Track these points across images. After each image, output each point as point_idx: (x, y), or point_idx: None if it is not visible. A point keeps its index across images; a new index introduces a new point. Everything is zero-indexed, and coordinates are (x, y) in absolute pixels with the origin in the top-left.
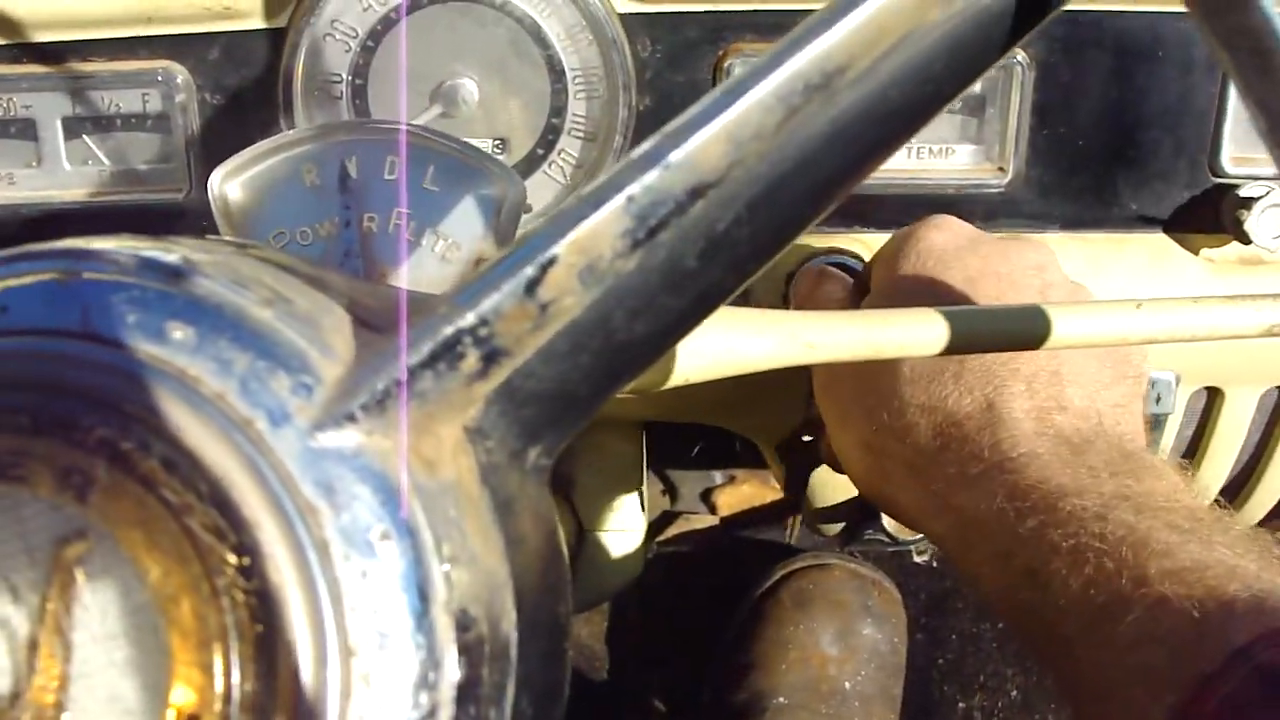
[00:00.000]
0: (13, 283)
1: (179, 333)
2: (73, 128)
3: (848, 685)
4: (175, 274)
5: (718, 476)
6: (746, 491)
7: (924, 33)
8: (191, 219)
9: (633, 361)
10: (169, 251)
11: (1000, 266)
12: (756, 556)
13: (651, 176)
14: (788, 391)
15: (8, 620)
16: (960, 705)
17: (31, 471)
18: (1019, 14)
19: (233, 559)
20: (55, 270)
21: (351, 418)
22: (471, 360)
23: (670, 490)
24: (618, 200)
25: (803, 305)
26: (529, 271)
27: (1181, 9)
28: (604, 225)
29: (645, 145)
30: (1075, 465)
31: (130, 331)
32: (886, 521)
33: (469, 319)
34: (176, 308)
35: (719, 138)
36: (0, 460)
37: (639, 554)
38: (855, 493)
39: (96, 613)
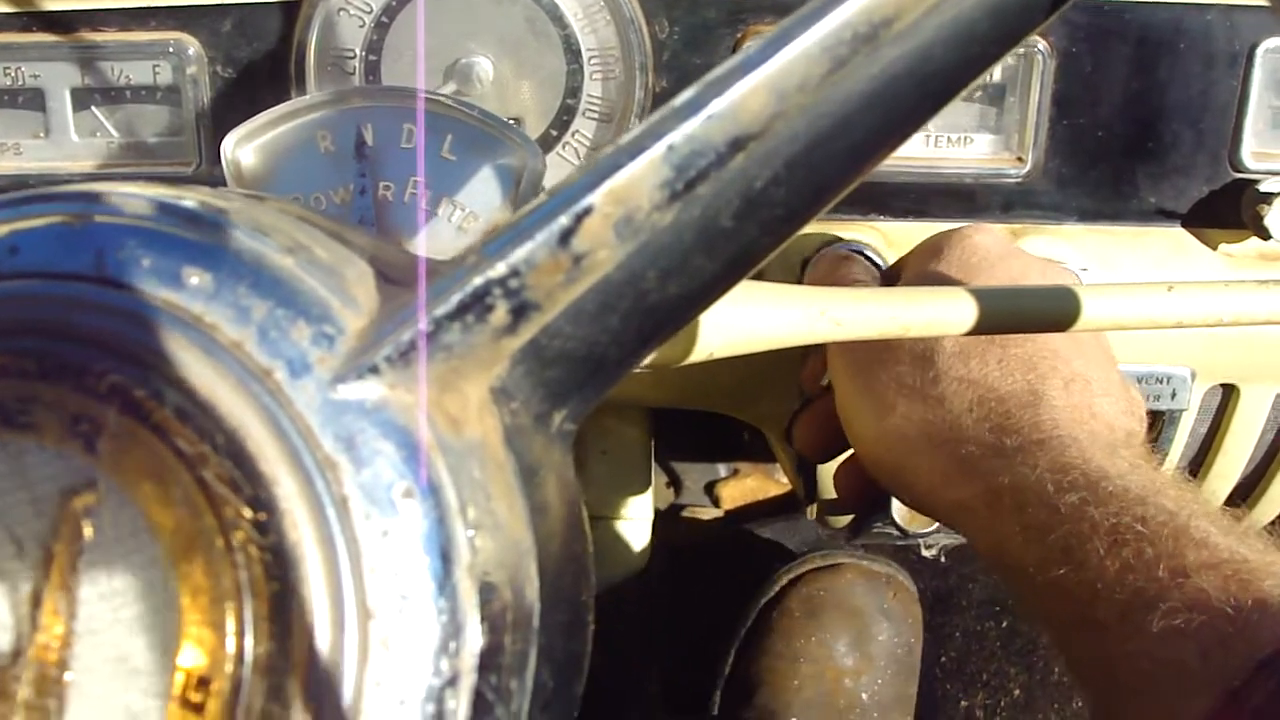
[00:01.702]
0: (23, 224)
1: (196, 278)
2: (81, 98)
3: (865, 697)
4: (192, 218)
5: (722, 469)
6: (751, 485)
7: None
8: None
9: (662, 324)
10: (185, 196)
11: (1038, 279)
12: (761, 550)
13: (692, 125)
14: (797, 379)
15: (10, 574)
16: (963, 704)
17: (38, 419)
18: None
19: (248, 513)
20: (68, 213)
21: (374, 369)
22: (501, 313)
23: (674, 482)
24: (657, 149)
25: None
26: (563, 221)
27: (1206, 1)
28: (642, 175)
29: (686, 93)
30: (1113, 456)
31: (145, 276)
32: (896, 513)
33: (499, 269)
34: (193, 253)
35: (762, 87)
36: (5, 406)
37: (645, 544)
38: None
39: (104, 567)
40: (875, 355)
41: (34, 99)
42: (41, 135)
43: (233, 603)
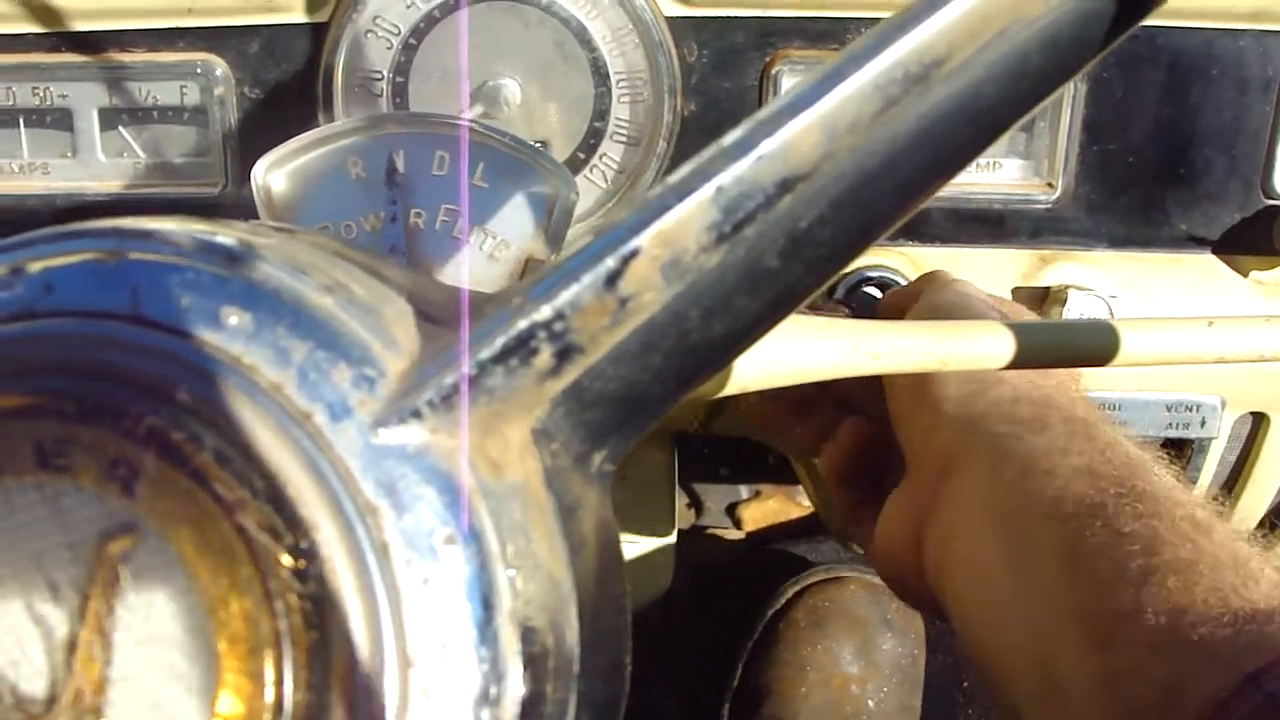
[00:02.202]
0: (59, 261)
1: (235, 318)
2: (109, 118)
3: (871, 704)
4: (231, 257)
5: (744, 491)
6: (772, 507)
7: (1023, 26)
8: (226, 214)
9: (704, 364)
10: (222, 233)
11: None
12: (782, 572)
13: (742, 166)
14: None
15: (46, 618)
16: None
17: (76, 461)
18: (1118, 12)
19: (287, 560)
20: (104, 250)
21: (416, 414)
22: (545, 356)
23: (696, 504)
24: (706, 190)
25: None
26: (610, 263)
27: (1238, 26)
28: (690, 217)
29: (735, 133)
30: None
31: (183, 316)
32: None
33: (545, 312)
34: (232, 292)
35: (814, 128)
36: (43, 448)
37: (668, 566)
38: None
39: (140, 613)
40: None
41: (62, 119)
42: (69, 155)
43: (271, 651)
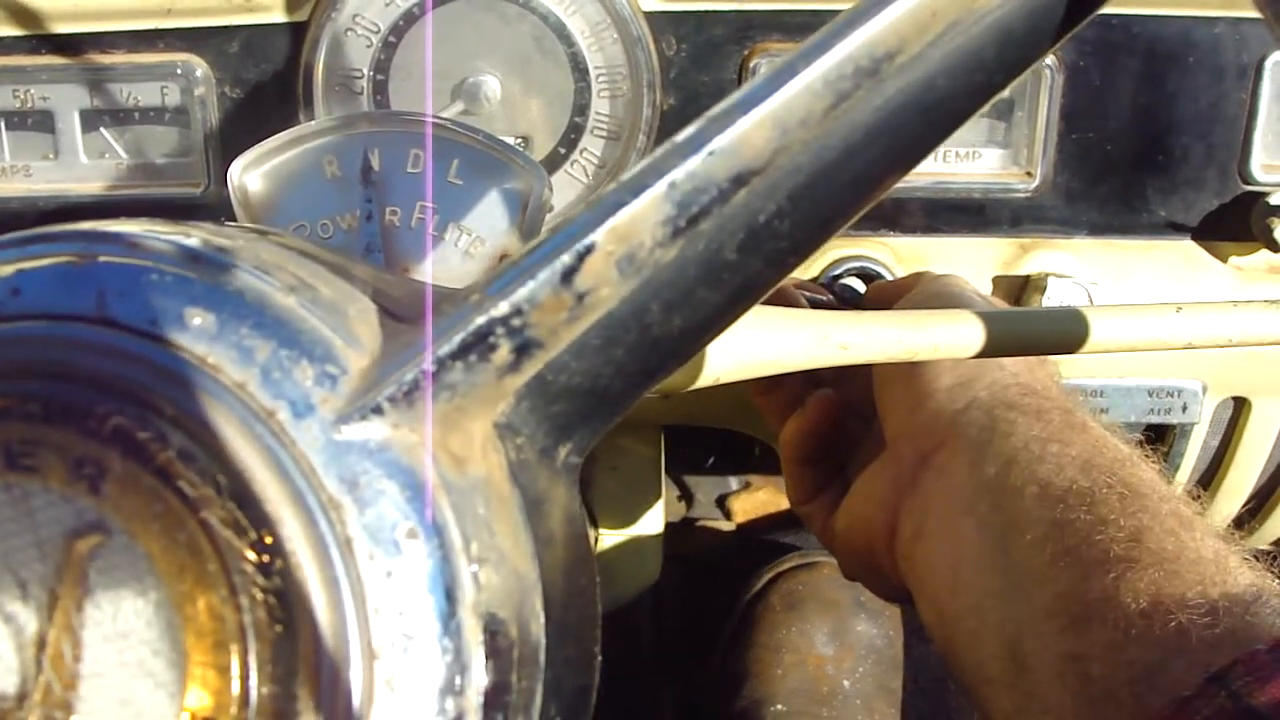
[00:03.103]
0: (26, 265)
1: (198, 319)
2: (90, 120)
3: (847, 684)
4: (195, 258)
5: (733, 482)
6: (762, 498)
7: (974, 19)
8: (209, 214)
9: (667, 357)
10: (188, 235)
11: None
12: (772, 562)
13: (694, 162)
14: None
15: (15, 617)
16: (960, 702)
17: (43, 461)
18: (1070, 4)
19: (252, 556)
20: (70, 253)
21: (378, 410)
22: (504, 351)
23: (686, 496)
24: (659, 187)
25: None
26: (565, 259)
27: (1214, 14)
28: (644, 212)
29: (689, 130)
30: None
31: (147, 317)
32: None
33: (502, 308)
34: (196, 293)
35: (765, 123)
36: (10, 449)
37: (656, 558)
38: None
39: (109, 610)
40: None
41: (43, 121)
42: (51, 157)
43: (238, 645)
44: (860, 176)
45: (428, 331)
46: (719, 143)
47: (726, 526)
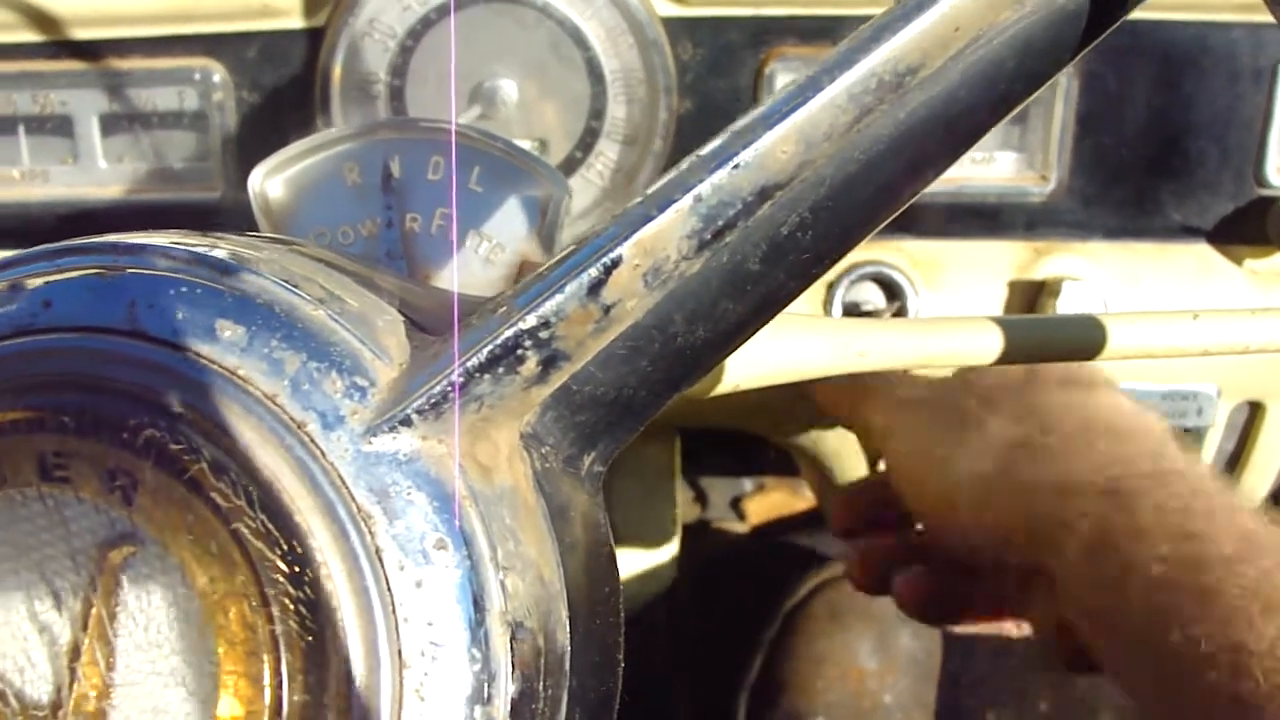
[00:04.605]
0: (57, 277)
1: (229, 331)
2: (109, 125)
3: (888, 699)
4: (225, 270)
5: (748, 484)
6: (777, 499)
7: (995, 33)
8: (226, 218)
9: (691, 367)
10: (217, 247)
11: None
12: (788, 566)
13: (720, 176)
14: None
15: (50, 625)
16: (989, 717)
17: (76, 472)
18: (1091, 15)
19: (283, 566)
20: (101, 265)
21: (407, 421)
22: (531, 363)
23: (700, 497)
24: (685, 201)
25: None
26: (593, 273)
27: (1230, 18)
28: (670, 226)
29: (713, 143)
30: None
31: (178, 329)
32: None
33: (530, 321)
34: (226, 305)
35: (789, 137)
36: (44, 461)
37: (672, 561)
38: None
39: (141, 619)
40: (941, 413)
41: (62, 125)
42: (70, 161)
43: (269, 654)
44: (882, 188)
45: (455, 344)
46: (744, 157)
47: (741, 528)
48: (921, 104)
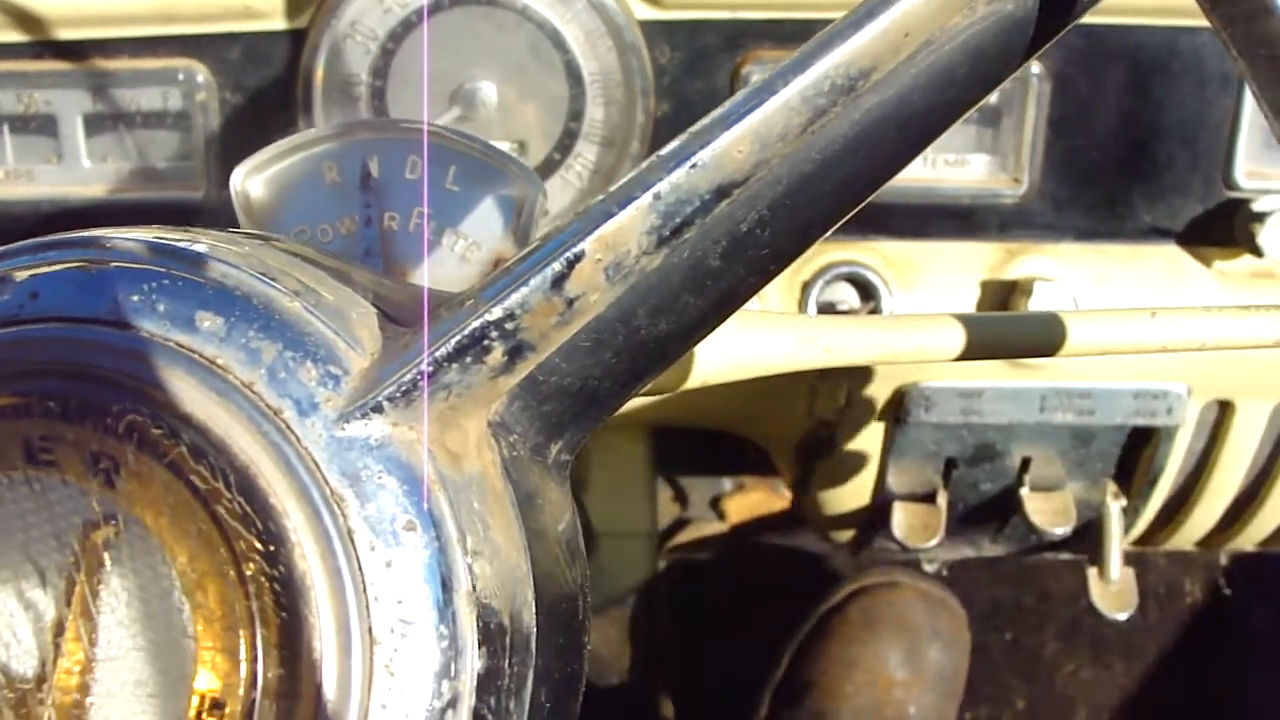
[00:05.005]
0: (43, 270)
1: (208, 322)
2: (93, 124)
3: (912, 710)
4: (204, 264)
5: (727, 483)
6: (756, 498)
7: (947, 38)
8: (209, 217)
9: (654, 359)
10: (198, 241)
11: None
12: (766, 565)
13: (678, 175)
14: (797, 397)
15: (35, 603)
16: (967, 715)
17: (61, 456)
18: (1040, 23)
19: (259, 546)
20: (85, 258)
21: (378, 409)
22: (497, 354)
23: (680, 496)
24: (644, 198)
25: None
26: (556, 267)
27: (1199, 23)
28: (630, 222)
29: (672, 144)
30: None
31: (159, 320)
32: (896, 529)
33: (495, 313)
34: (206, 297)
35: (745, 138)
36: (30, 445)
37: (650, 557)
38: (866, 500)
39: (123, 597)
40: None
41: (47, 125)
42: (54, 160)
43: (245, 630)
44: (839, 187)
45: (424, 334)
46: (701, 156)
47: (720, 527)
48: (875, 106)
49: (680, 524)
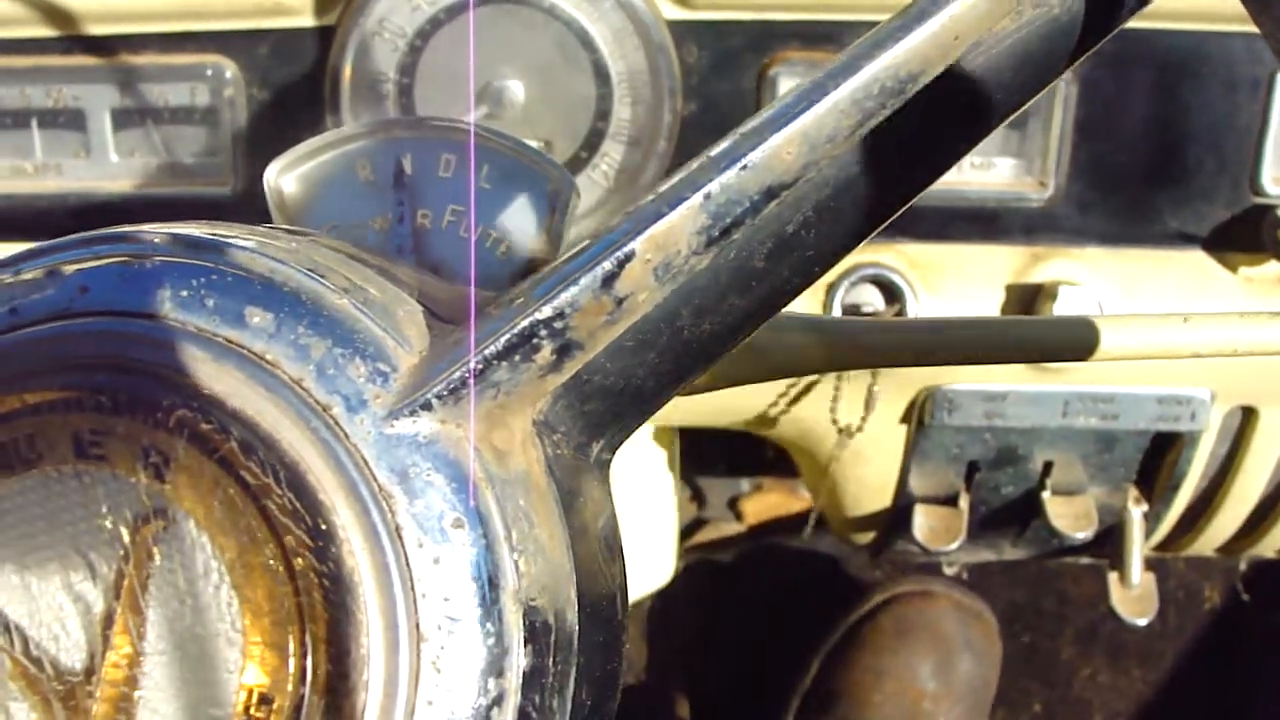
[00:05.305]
0: (92, 264)
1: (258, 318)
2: (121, 119)
3: None
4: (253, 259)
5: (745, 484)
6: (773, 500)
7: (994, 41)
8: (236, 212)
9: (697, 359)
10: (245, 237)
11: None
12: (784, 567)
13: (729, 176)
14: (819, 399)
15: (83, 596)
16: None
17: (111, 450)
18: (1085, 27)
19: (308, 541)
20: (134, 253)
21: (426, 406)
22: (546, 352)
23: (698, 497)
24: (695, 199)
25: None
26: (606, 266)
27: (1227, 28)
28: (680, 222)
29: (722, 144)
30: None
31: (209, 315)
32: (918, 531)
33: (545, 311)
34: (255, 293)
35: (794, 139)
36: (80, 439)
37: (671, 557)
38: (887, 503)
39: (172, 591)
40: None
41: (75, 119)
42: (82, 155)
43: (294, 626)
44: (883, 191)
45: (470, 332)
46: (752, 158)
47: (738, 528)
48: (922, 109)
49: (698, 524)
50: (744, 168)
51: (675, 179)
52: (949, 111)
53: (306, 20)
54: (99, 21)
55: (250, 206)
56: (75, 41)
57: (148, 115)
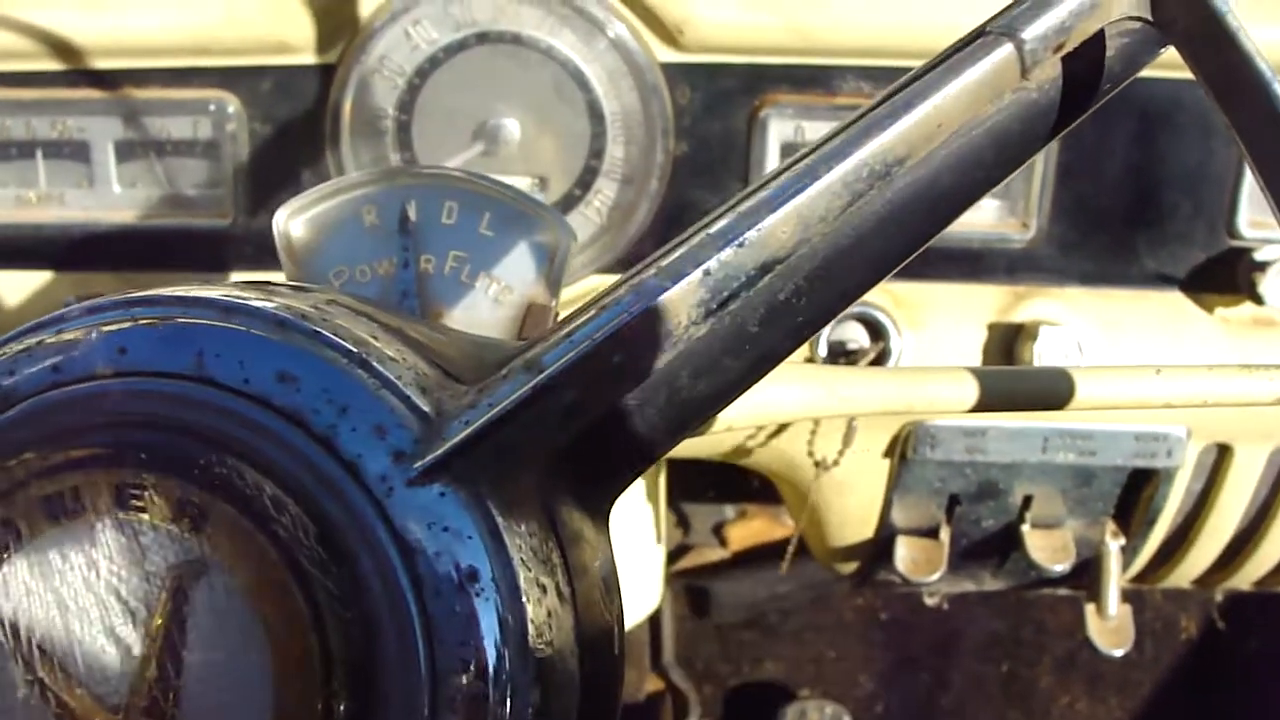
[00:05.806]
0: (131, 325)
1: (286, 379)
2: (124, 151)
3: None
4: (281, 324)
5: (729, 510)
6: (757, 527)
7: (975, 124)
8: (237, 245)
9: (693, 416)
10: (274, 301)
11: None
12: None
13: (727, 253)
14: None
15: (124, 639)
16: None
17: (150, 502)
18: (1063, 108)
19: (335, 590)
20: (170, 316)
21: (443, 463)
22: (553, 415)
23: (683, 523)
24: (695, 274)
25: None
26: (611, 333)
27: None
28: (681, 296)
29: (721, 223)
30: None
31: (242, 376)
32: (899, 562)
33: (553, 375)
34: (283, 355)
35: (789, 219)
36: (122, 492)
37: (657, 583)
38: (870, 534)
39: (206, 635)
40: None
41: (79, 151)
42: (85, 185)
43: (320, 668)
44: (871, 260)
45: (484, 396)
46: (749, 236)
47: (722, 554)
48: (908, 187)
49: (682, 550)
50: (741, 245)
51: (676, 254)
52: (932, 189)
53: (309, 58)
54: (105, 56)
55: (250, 238)
56: (81, 75)
57: (150, 148)
